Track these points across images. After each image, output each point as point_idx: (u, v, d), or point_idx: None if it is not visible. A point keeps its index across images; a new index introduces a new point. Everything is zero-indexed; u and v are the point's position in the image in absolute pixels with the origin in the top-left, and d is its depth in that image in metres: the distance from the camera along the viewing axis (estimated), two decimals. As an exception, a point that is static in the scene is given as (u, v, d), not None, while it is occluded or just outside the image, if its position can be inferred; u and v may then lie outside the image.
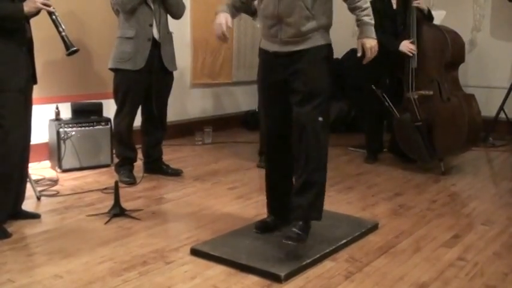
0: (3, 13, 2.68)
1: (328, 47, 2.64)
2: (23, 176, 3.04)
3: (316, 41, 2.58)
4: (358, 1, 2.59)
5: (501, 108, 5.32)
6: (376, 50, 2.65)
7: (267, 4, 2.60)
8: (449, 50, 4.11)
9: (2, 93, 2.72)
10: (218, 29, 2.64)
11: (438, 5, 4.65)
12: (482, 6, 5.75)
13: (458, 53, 4.23)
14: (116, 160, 4.14)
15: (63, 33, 2.93)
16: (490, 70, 5.71)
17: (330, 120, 2.67)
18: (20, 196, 3.03)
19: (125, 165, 3.88)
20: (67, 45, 2.96)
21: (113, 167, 4.13)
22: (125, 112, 3.78)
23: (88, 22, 4.51)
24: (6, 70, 2.73)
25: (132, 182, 3.77)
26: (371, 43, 2.62)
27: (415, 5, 4.17)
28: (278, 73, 2.64)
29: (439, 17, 4.49)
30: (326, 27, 2.63)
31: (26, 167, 3.07)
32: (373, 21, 2.61)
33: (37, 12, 2.85)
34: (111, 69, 3.80)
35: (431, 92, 4.15)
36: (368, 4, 2.62)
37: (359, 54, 2.65)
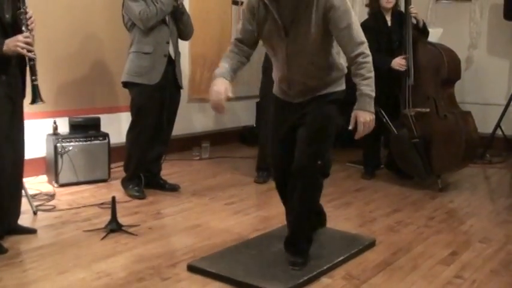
0: None
1: (340, 93, 2.62)
2: (18, 191, 3.03)
3: (330, 89, 2.59)
4: (362, 68, 2.40)
5: (498, 125, 5.34)
6: (371, 127, 2.44)
7: (276, 66, 2.63)
8: (445, 68, 4.13)
9: None
10: (216, 96, 2.38)
11: (435, 22, 4.69)
12: (478, 24, 5.80)
13: (454, 70, 4.25)
14: (113, 174, 4.16)
15: (36, 83, 2.88)
16: (486, 87, 5.75)
17: (330, 162, 2.67)
18: (16, 211, 3.02)
19: (133, 180, 3.87)
20: (35, 96, 2.90)
21: (110, 182, 4.14)
22: (139, 128, 3.80)
23: (87, 37, 4.53)
24: None
25: (142, 196, 3.78)
26: (366, 117, 2.40)
27: (413, 14, 4.21)
28: (289, 116, 2.65)
29: (436, 34, 4.52)
30: (341, 77, 2.62)
31: (20, 182, 3.06)
32: (373, 94, 2.41)
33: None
34: (124, 83, 3.82)
35: (427, 110, 4.16)
36: (371, 74, 2.41)
37: (351, 127, 2.44)
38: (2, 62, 2.76)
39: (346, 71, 2.66)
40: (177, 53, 3.92)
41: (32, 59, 2.82)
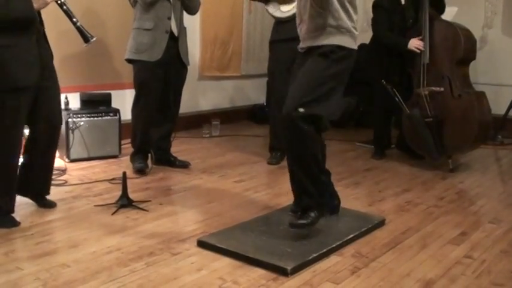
0: (16, 15, 2.61)
1: (339, 49, 2.61)
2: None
3: (325, 39, 2.61)
4: None
5: (510, 106, 5.28)
6: None
7: (297, 4, 2.77)
8: (462, 47, 4.08)
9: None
10: None
11: (449, 1, 4.61)
12: (494, 4, 5.70)
13: (470, 49, 4.20)
14: (123, 150, 4.20)
15: (78, 24, 2.85)
16: (500, 68, 5.67)
17: (329, 117, 2.67)
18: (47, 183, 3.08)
19: (139, 154, 3.90)
20: (85, 35, 2.87)
21: (120, 158, 4.17)
22: (141, 104, 3.80)
23: (98, 13, 4.52)
24: (19, 68, 2.66)
25: (143, 167, 3.79)
26: None
27: None
28: (296, 68, 2.77)
29: (450, 13, 4.46)
30: (337, 28, 2.61)
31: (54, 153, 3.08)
32: None
33: None
34: (127, 60, 3.82)
35: (442, 89, 4.12)
36: None
37: None
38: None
39: (348, 28, 2.62)
40: (182, 29, 3.84)
41: (62, 4, 2.81)
